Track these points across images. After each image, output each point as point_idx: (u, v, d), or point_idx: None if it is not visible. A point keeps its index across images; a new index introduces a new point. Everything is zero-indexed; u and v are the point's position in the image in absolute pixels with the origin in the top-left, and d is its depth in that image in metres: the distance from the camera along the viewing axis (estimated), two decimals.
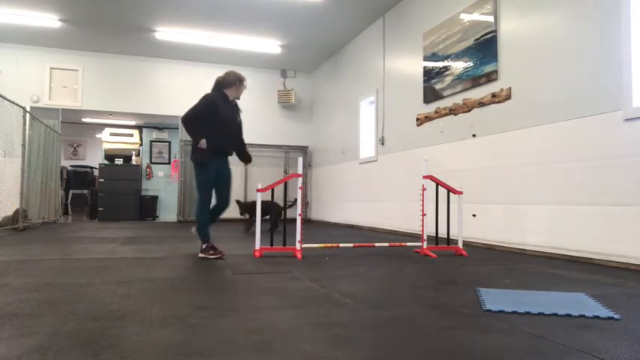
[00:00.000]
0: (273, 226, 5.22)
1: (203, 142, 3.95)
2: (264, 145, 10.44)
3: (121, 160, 10.73)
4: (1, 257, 3.93)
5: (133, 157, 11.24)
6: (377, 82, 7.72)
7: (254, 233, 4.17)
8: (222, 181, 4.15)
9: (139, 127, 11.91)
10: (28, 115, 7.47)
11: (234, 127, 4.23)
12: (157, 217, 11.22)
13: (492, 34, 5.10)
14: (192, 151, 4.05)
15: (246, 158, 4.45)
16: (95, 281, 2.87)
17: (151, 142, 12.09)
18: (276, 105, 10.63)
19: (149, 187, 11.73)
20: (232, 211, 10.18)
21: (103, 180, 10.16)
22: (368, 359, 1.55)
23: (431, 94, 6.20)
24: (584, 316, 2.11)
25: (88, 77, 9.47)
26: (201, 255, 3.99)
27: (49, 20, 7.77)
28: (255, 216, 4.12)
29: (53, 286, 2.71)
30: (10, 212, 6.84)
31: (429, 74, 6.25)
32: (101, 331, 1.80)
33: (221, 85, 4.17)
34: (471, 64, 5.43)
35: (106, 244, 5.10)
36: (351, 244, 4.65)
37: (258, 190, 4.10)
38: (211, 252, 3.99)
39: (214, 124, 4.00)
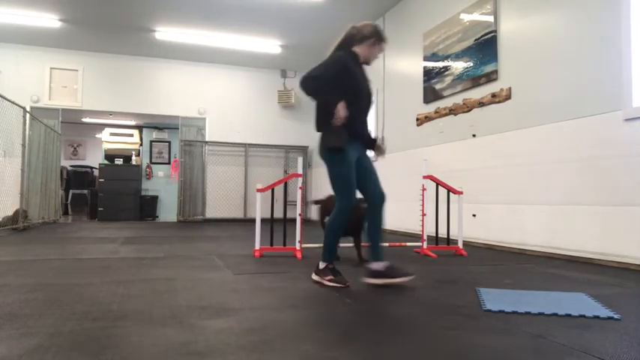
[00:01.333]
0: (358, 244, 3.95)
1: (341, 107, 2.67)
2: (264, 145, 10.45)
3: (121, 160, 10.73)
4: (1, 257, 3.93)
5: (133, 157, 11.24)
6: (377, 82, 7.72)
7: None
8: (365, 174, 2.90)
9: (139, 127, 11.91)
10: (28, 115, 7.47)
11: (369, 101, 2.99)
12: (157, 217, 11.22)
13: (492, 34, 5.10)
14: (325, 135, 2.80)
15: (378, 148, 3.06)
16: (95, 281, 2.87)
17: (151, 142, 12.09)
18: (276, 105, 10.63)
19: (149, 187, 11.74)
20: (231, 210, 10.25)
21: (103, 180, 10.15)
22: (368, 359, 1.55)
23: (431, 94, 6.20)
24: (584, 316, 2.11)
25: (88, 77, 9.47)
26: (314, 277, 2.90)
27: (49, 20, 7.77)
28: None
29: (53, 286, 2.71)
30: (10, 212, 6.84)
31: (429, 74, 6.25)
32: (101, 331, 1.80)
33: (352, 39, 2.91)
34: (471, 64, 5.43)
35: (106, 244, 5.10)
36: (351, 244, 4.64)
37: (257, 190, 4.11)
38: (329, 277, 2.82)
39: (349, 97, 2.77)
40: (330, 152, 2.79)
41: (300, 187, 4.18)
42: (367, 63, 2.98)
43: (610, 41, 3.80)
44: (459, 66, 5.65)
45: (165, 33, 8.37)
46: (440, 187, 4.58)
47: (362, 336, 1.80)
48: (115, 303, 2.28)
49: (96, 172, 11.95)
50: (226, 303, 2.32)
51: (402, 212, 6.72)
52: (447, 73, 5.87)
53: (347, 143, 2.76)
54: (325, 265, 2.86)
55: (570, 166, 4.13)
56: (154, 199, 11.12)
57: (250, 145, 10.36)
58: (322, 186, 10.20)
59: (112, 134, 11.54)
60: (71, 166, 13.32)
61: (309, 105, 12.02)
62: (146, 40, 8.75)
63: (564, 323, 2.00)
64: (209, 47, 9.08)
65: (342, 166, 2.78)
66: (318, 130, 2.87)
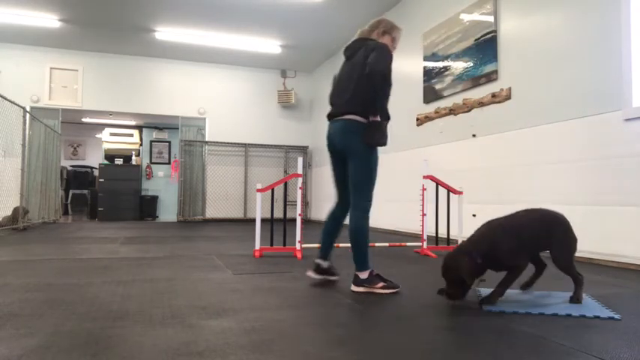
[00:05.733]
0: None
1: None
2: (264, 145, 10.45)
3: (121, 160, 10.73)
4: (1, 257, 3.93)
5: (133, 157, 11.24)
6: None
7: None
8: None
9: (139, 127, 11.91)
10: (28, 115, 7.47)
11: None
12: (157, 217, 11.22)
13: (492, 34, 5.10)
14: (373, 128, 2.62)
15: None
16: (95, 281, 2.87)
17: (151, 142, 12.09)
18: (276, 105, 10.63)
19: (149, 187, 11.74)
20: (231, 210, 10.25)
21: (103, 180, 10.16)
22: (368, 359, 1.54)
23: (431, 94, 6.20)
24: (584, 316, 2.11)
25: (88, 77, 9.47)
26: (358, 289, 2.64)
27: (49, 20, 7.77)
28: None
29: (53, 286, 2.71)
30: (10, 212, 6.84)
31: (429, 74, 6.25)
32: (101, 331, 1.80)
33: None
34: (471, 64, 5.43)
35: (106, 244, 5.10)
36: None
37: (258, 190, 4.11)
38: (381, 285, 2.61)
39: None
40: (372, 147, 2.67)
41: (300, 187, 4.18)
42: None
43: (610, 41, 3.80)
44: (458, 66, 5.65)
45: (166, 33, 8.37)
46: (440, 187, 4.58)
47: (362, 336, 1.80)
48: (115, 303, 2.28)
49: (96, 172, 11.96)
50: (226, 303, 2.32)
51: (402, 212, 6.72)
52: (446, 73, 5.87)
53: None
54: (369, 273, 2.63)
55: (570, 166, 4.13)
56: (154, 199, 11.12)
57: (250, 145, 10.36)
58: (322, 186, 10.20)
59: (112, 134, 11.55)
60: (71, 166, 13.33)
61: (310, 105, 12.01)
62: (146, 40, 8.75)
63: (564, 323, 2.00)
64: (209, 47, 9.08)
65: (376, 162, 2.71)
66: (370, 119, 2.63)
